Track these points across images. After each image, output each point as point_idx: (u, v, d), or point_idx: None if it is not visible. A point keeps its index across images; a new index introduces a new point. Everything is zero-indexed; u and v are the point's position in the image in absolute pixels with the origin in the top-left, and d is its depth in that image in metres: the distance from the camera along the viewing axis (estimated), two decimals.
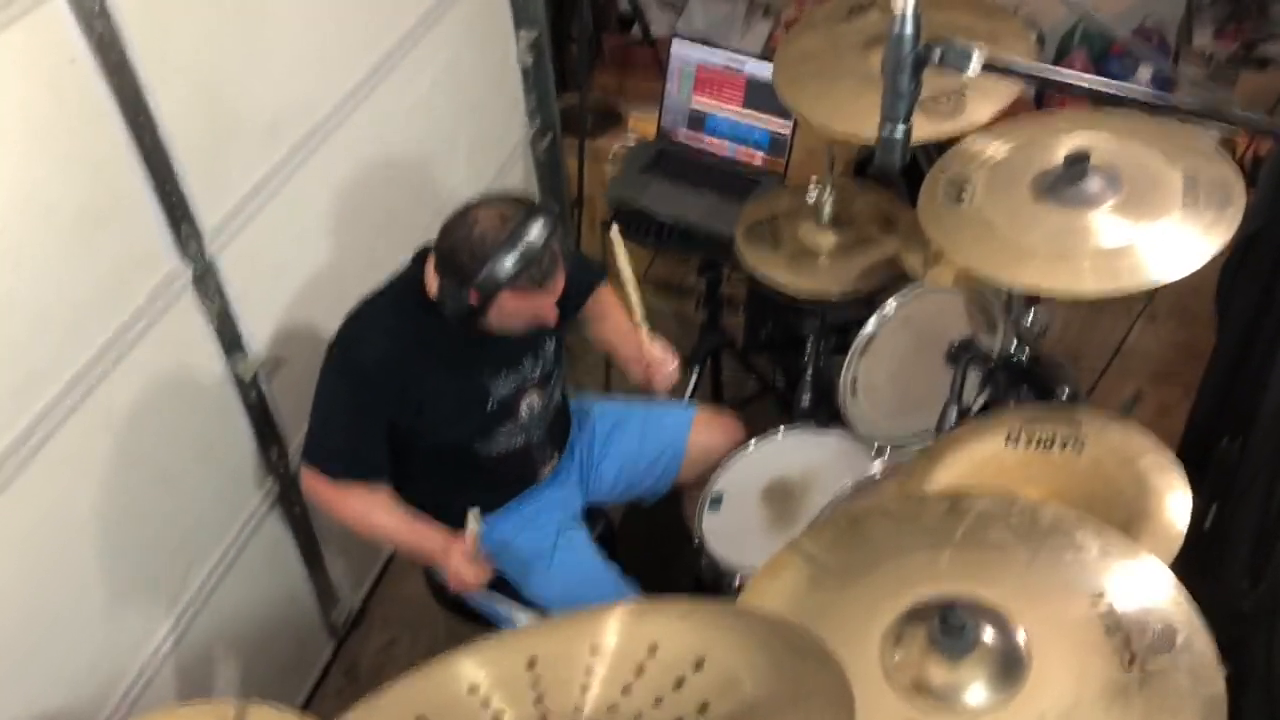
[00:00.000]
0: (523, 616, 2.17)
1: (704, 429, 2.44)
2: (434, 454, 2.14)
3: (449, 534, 2.11)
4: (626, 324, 2.35)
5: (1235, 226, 1.75)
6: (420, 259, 2.04)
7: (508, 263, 1.85)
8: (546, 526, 2.25)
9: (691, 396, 3.03)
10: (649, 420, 2.43)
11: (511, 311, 1.93)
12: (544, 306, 1.96)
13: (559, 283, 1.94)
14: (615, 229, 2.29)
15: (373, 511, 2.12)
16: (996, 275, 1.84)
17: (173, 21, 1.89)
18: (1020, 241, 1.82)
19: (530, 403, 2.16)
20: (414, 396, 2.02)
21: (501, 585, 2.20)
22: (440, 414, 2.06)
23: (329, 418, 2.06)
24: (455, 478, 2.19)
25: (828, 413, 2.43)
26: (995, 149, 1.99)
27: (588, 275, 2.32)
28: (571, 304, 2.24)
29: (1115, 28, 3.02)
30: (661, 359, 2.27)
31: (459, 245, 1.88)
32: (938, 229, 1.90)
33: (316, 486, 2.11)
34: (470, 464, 2.16)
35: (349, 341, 2.04)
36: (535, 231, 1.87)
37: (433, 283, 1.98)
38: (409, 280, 2.04)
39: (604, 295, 2.36)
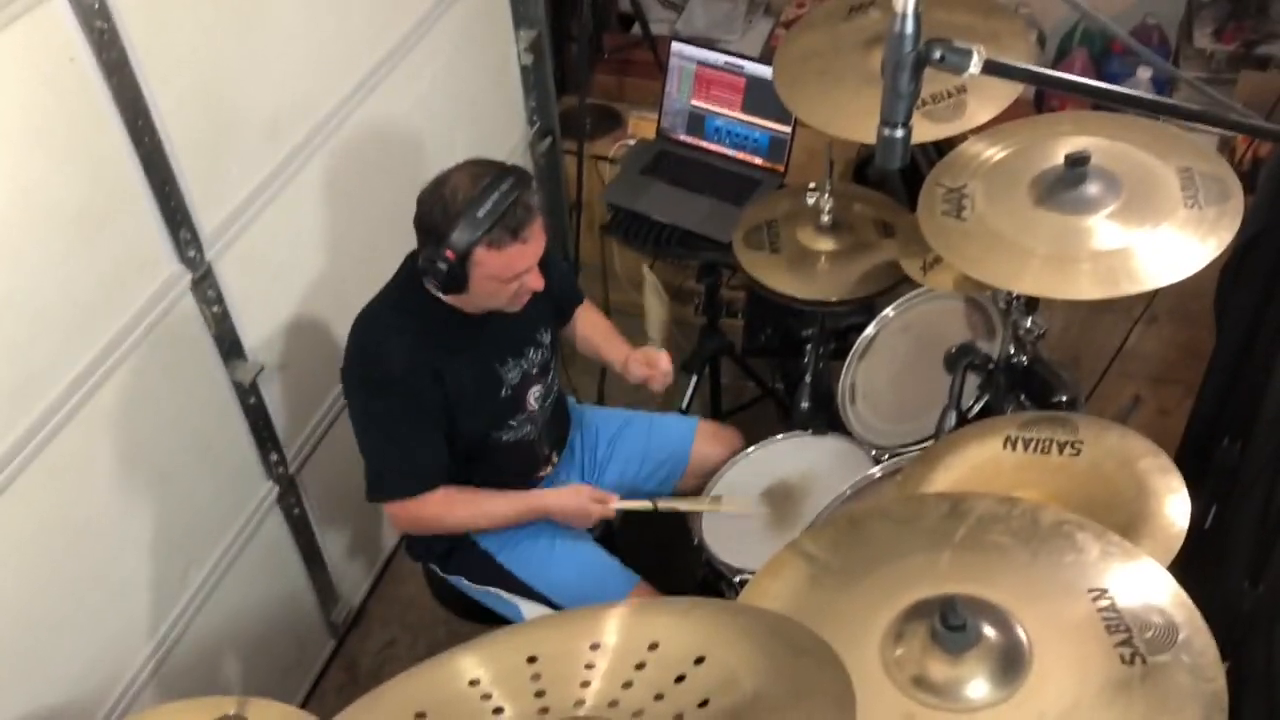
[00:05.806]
0: (531, 609, 2.17)
1: (706, 440, 2.45)
2: (451, 445, 2.13)
3: (556, 491, 2.19)
4: (605, 325, 2.42)
5: (1234, 230, 1.75)
6: (412, 258, 2.03)
7: (479, 214, 1.86)
8: (548, 525, 2.24)
9: (691, 401, 3.03)
10: (654, 426, 2.45)
11: (493, 272, 1.92)
12: (524, 264, 1.95)
13: (537, 238, 1.94)
14: (648, 271, 2.34)
15: (479, 505, 2.13)
16: (996, 280, 1.84)
17: (173, 20, 1.89)
18: (1020, 246, 1.81)
19: (536, 392, 2.17)
20: (446, 384, 2.02)
21: (508, 581, 2.20)
22: (465, 401, 2.05)
23: (384, 443, 2.04)
24: (463, 469, 2.18)
25: (826, 418, 2.42)
26: (994, 153, 1.99)
27: (573, 295, 2.40)
28: (561, 309, 2.33)
29: (1115, 27, 3.02)
30: (660, 358, 2.30)
31: (433, 206, 1.90)
32: (937, 234, 1.90)
33: (405, 516, 2.10)
34: (480, 455, 2.16)
35: (368, 360, 2.02)
36: (506, 185, 1.89)
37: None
38: (404, 279, 2.04)
39: (583, 314, 2.43)
